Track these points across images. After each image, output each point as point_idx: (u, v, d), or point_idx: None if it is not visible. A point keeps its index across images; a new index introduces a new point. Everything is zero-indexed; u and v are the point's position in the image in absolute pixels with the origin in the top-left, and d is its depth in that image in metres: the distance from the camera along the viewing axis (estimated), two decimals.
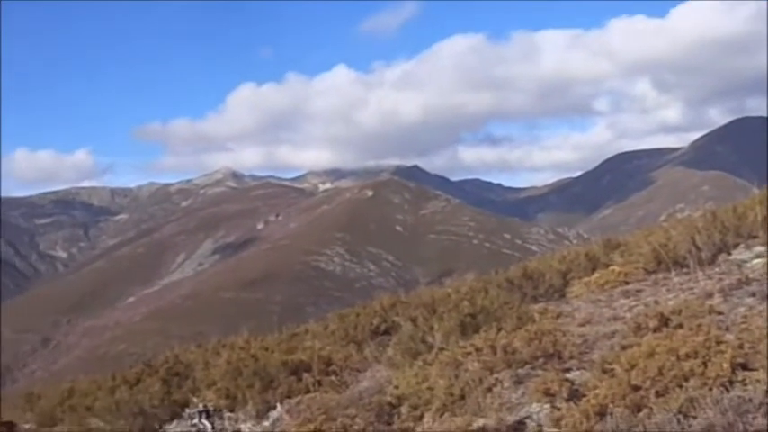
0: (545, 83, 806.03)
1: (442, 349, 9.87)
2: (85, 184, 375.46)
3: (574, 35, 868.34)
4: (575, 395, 7.55)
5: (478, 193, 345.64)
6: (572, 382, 7.81)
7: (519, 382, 8.41)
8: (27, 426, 13.86)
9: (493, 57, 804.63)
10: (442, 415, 8.22)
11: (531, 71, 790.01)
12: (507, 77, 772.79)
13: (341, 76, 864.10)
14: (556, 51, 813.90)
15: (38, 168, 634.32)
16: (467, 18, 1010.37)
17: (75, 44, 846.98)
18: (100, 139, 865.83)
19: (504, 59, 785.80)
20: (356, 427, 8.57)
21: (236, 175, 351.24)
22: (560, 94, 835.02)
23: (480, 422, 7.71)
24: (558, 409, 7.40)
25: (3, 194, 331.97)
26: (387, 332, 12.89)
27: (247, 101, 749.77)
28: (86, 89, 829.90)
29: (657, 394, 6.80)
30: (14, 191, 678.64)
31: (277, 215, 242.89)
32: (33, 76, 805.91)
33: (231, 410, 10.73)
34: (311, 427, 8.75)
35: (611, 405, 6.88)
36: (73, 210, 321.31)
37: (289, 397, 10.41)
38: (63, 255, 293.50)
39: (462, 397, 8.33)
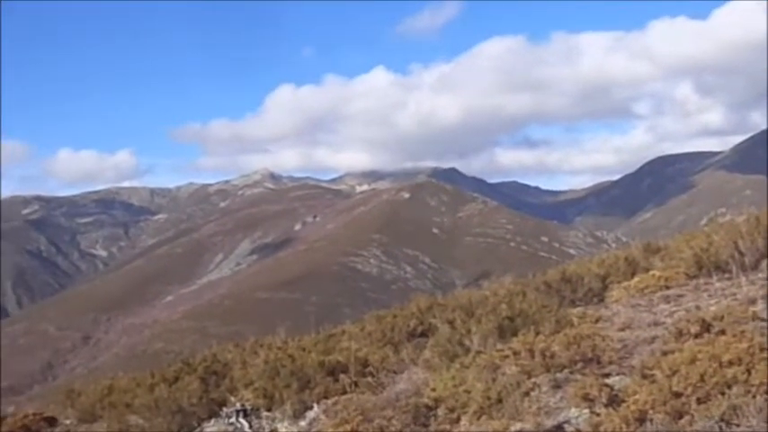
0: (585, 85, 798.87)
1: (479, 352, 9.83)
2: (126, 184, 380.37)
3: (614, 37, 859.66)
4: (614, 401, 7.48)
5: (516, 196, 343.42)
6: (611, 388, 7.73)
7: (557, 386, 8.35)
8: (68, 421, 14.04)
9: (532, 58, 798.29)
10: (479, 418, 8.18)
11: (571, 73, 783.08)
12: (547, 79, 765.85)
13: (379, 77, 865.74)
14: (596, 53, 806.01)
15: (80, 168, 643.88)
16: (506, 20, 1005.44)
17: (118, 46, 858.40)
18: (141, 139, 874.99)
19: (543, 61, 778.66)
20: (393, 428, 8.57)
21: (274, 177, 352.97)
22: (600, 97, 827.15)
23: (518, 426, 7.67)
24: (597, 415, 7.34)
25: (46, 193, 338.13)
26: (423, 334, 12.86)
27: (286, 102, 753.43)
28: (128, 91, 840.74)
29: (699, 401, 6.71)
30: (57, 190, 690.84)
31: (314, 216, 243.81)
32: (77, 78, 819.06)
33: (268, 410, 10.78)
34: (348, 427, 8.76)
35: (651, 411, 6.80)
36: (113, 209, 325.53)
37: (325, 397, 10.44)
38: (103, 253, 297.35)
39: (500, 400, 8.29)
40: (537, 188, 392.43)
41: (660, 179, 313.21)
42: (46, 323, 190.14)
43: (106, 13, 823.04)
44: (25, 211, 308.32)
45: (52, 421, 14.17)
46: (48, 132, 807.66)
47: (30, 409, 16.37)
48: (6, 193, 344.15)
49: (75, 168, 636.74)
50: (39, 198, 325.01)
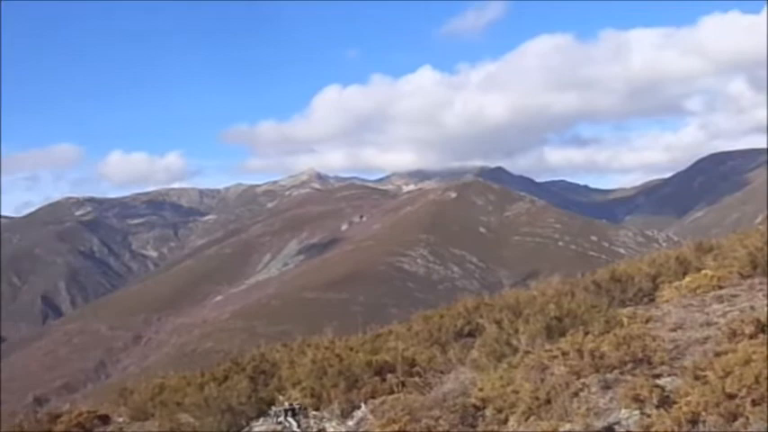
0: (635, 82, 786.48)
1: (527, 352, 9.76)
2: (176, 185, 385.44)
3: (664, 33, 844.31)
4: (665, 402, 7.37)
5: (564, 195, 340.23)
6: (663, 389, 7.62)
7: (607, 387, 8.26)
8: (120, 419, 14.28)
9: (580, 56, 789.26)
10: (527, 419, 8.13)
11: (621, 71, 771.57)
12: (595, 77, 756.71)
13: (426, 77, 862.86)
14: (646, 50, 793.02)
15: (131, 170, 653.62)
16: (553, 18, 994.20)
17: (168, 49, 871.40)
18: (190, 142, 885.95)
19: (592, 59, 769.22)
20: (440, 428, 8.55)
21: (320, 177, 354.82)
22: (651, 94, 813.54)
23: (567, 427, 7.60)
24: (648, 416, 7.24)
25: (98, 195, 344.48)
26: (471, 334, 12.80)
27: (332, 102, 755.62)
28: (178, 93, 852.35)
29: (754, 403, 6.58)
30: (109, 192, 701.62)
31: (361, 216, 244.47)
32: (127, 82, 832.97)
33: (316, 409, 10.84)
34: (395, 427, 8.77)
35: (703, 413, 6.69)
36: (163, 210, 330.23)
37: (373, 397, 10.46)
38: (154, 254, 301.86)
39: (548, 401, 8.22)
40: (586, 187, 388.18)
41: (713, 177, 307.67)
42: (99, 323, 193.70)
43: (155, 14, 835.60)
44: (78, 213, 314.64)
45: (105, 419, 14.42)
46: (100, 135, 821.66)
47: (84, 406, 16.69)
48: (60, 196, 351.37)
49: (127, 170, 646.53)
50: (91, 200, 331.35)
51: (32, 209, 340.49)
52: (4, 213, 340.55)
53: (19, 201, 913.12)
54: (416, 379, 10.81)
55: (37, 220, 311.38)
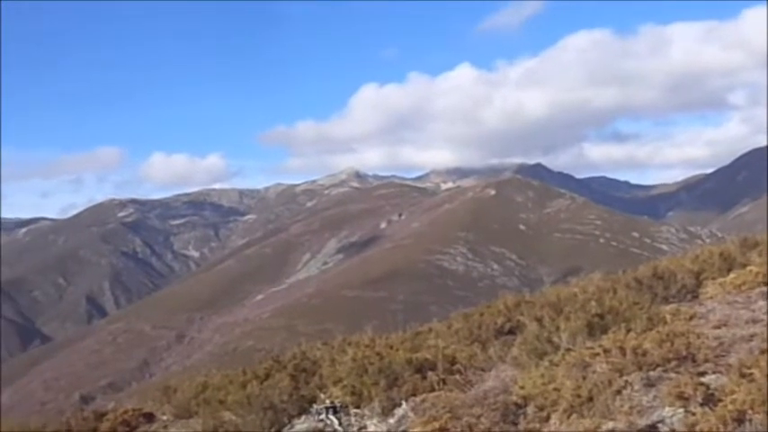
0: (676, 77, 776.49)
1: (568, 350, 9.69)
2: (216, 186, 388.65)
3: (705, 27, 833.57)
4: (710, 400, 7.28)
5: (605, 191, 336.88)
6: (707, 387, 7.53)
7: (650, 384, 8.17)
8: (164, 417, 14.46)
9: (620, 51, 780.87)
10: (569, 417, 8.08)
11: (661, 65, 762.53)
12: (636, 72, 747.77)
13: (464, 74, 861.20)
14: (687, 44, 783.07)
15: (173, 172, 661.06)
16: (592, 13, 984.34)
17: (208, 52, 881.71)
18: (231, 143, 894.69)
19: (632, 54, 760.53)
20: (481, 426, 8.53)
21: (359, 176, 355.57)
22: (692, 89, 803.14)
23: (609, 425, 7.54)
24: (693, 414, 7.15)
25: (141, 196, 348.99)
26: (511, 332, 12.74)
27: (370, 101, 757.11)
28: (218, 95, 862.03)
29: None
30: (150, 193, 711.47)
31: (400, 214, 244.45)
32: (170, 84, 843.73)
33: (357, 407, 10.87)
34: (436, 425, 8.77)
35: (749, 411, 6.59)
36: (204, 211, 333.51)
37: (413, 395, 10.46)
38: (195, 254, 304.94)
39: (590, 399, 8.16)
40: (627, 183, 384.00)
41: (757, 172, 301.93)
42: (142, 322, 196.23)
43: (193, 16, 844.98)
44: (121, 214, 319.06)
45: (150, 417, 14.62)
46: (142, 138, 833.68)
47: (129, 405, 16.94)
48: (103, 197, 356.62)
49: (168, 172, 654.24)
50: (133, 201, 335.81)
51: (77, 211, 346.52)
52: (49, 216, 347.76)
53: (64, 203, 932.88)
54: (457, 377, 10.79)
55: (81, 222, 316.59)
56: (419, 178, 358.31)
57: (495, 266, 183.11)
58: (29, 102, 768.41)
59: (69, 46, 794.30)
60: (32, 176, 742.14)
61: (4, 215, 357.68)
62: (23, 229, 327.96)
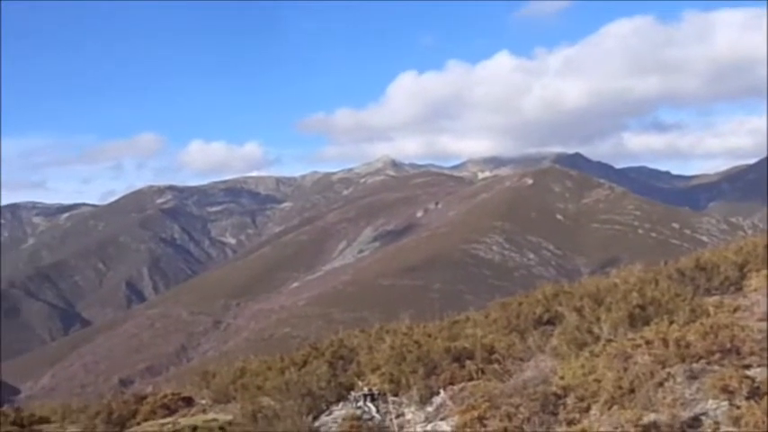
0: (719, 65, 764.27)
1: (609, 341, 9.59)
2: (253, 173, 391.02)
3: (750, 13, 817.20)
4: (755, 393, 7.16)
5: (645, 181, 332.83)
6: (752, 380, 7.40)
7: (693, 377, 8.06)
8: (203, 401, 14.61)
9: (662, 39, 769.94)
10: (610, 408, 7.99)
11: (705, 53, 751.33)
12: (678, 60, 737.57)
13: (503, 62, 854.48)
14: (731, 31, 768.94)
15: (211, 159, 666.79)
16: (632, 1, 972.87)
17: (249, 41, 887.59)
18: (268, 131, 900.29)
19: (674, 41, 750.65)
20: (520, 416, 8.48)
21: (395, 164, 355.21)
22: (736, 77, 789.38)
23: (651, 417, 7.45)
24: (738, 407, 7.04)
25: (179, 183, 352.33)
26: (550, 322, 12.63)
27: (408, 89, 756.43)
28: (256, 84, 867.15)
29: None
30: (189, 180, 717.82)
31: (436, 203, 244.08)
32: (209, 72, 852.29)
33: (395, 395, 10.87)
34: (475, 414, 8.74)
35: None
36: (241, 198, 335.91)
37: (452, 383, 10.44)
38: (232, 241, 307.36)
39: (632, 390, 8.07)
40: (667, 173, 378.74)
41: None
42: (180, 308, 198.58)
43: (235, 8, 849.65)
44: (159, 201, 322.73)
45: (189, 401, 14.79)
46: (181, 125, 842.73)
47: (167, 389, 17.15)
48: (142, 184, 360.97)
49: (206, 159, 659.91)
50: (172, 188, 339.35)
51: (116, 197, 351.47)
52: (89, 201, 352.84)
53: (104, 189, 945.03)
54: (495, 366, 10.73)
55: (121, 208, 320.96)
56: (456, 167, 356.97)
57: (532, 256, 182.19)
58: (70, 89, 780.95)
59: (112, 33, 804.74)
60: (74, 162, 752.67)
61: (46, 200, 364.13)
62: (65, 215, 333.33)
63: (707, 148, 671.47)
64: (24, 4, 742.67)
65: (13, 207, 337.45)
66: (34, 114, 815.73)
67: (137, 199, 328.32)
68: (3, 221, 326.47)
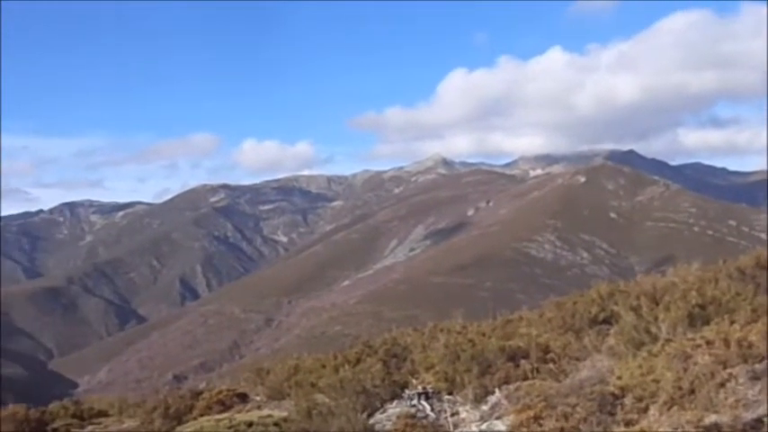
0: None
1: (668, 340, 9.44)
2: (305, 172, 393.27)
3: None
4: None
5: (700, 178, 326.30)
6: None
7: (755, 378, 7.88)
8: (258, 397, 14.78)
9: (719, 32, 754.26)
10: (669, 408, 7.87)
11: (763, 46, 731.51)
12: (736, 54, 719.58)
13: (555, 59, 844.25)
14: None
15: (263, 158, 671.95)
16: None
17: (302, 42, 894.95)
18: (320, 129, 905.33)
19: (732, 35, 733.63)
20: (577, 416, 8.40)
21: (446, 162, 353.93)
22: None
23: (713, 418, 7.31)
24: None
25: (232, 182, 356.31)
26: (606, 321, 12.49)
27: (459, 87, 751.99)
28: (309, 83, 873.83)
29: None
30: (242, 179, 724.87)
31: (487, 201, 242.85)
32: (263, 73, 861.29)
33: (449, 393, 10.86)
34: (530, 413, 8.68)
35: None
36: (293, 196, 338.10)
37: (506, 383, 10.39)
38: (284, 239, 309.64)
39: (692, 391, 7.93)
40: (724, 169, 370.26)
41: None
42: (233, 305, 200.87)
43: (287, 9, 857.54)
44: (213, 199, 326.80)
45: (244, 397, 14.98)
46: (235, 124, 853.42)
47: (221, 385, 17.39)
48: (196, 183, 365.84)
49: (259, 158, 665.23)
50: (225, 186, 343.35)
51: (171, 195, 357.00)
52: (145, 200, 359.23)
53: (159, 188, 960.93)
54: (551, 365, 10.66)
55: (175, 207, 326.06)
56: (507, 165, 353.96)
57: (585, 255, 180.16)
58: (127, 89, 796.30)
59: (168, 34, 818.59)
60: (130, 162, 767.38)
61: (103, 199, 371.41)
62: (121, 213, 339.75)
63: (765, 144, 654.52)
64: (83, 6, 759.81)
65: (72, 205, 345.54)
66: (92, 115, 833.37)
67: (191, 197, 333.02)
68: (62, 219, 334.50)
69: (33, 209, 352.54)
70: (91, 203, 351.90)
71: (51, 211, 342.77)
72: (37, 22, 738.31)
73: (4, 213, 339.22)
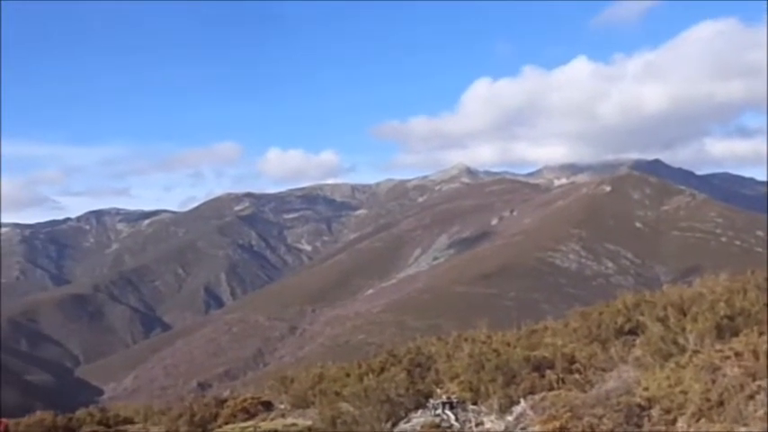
0: None
1: (696, 352, 9.34)
2: (329, 181, 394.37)
3: None
4: None
5: (728, 188, 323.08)
6: None
7: None
8: (282, 406, 14.81)
9: (747, 41, 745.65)
10: (698, 420, 7.79)
11: None
12: (764, 63, 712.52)
13: (580, 68, 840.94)
14: None
15: (288, 167, 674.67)
16: (715, 3, 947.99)
17: (326, 51, 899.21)
18: (344, 139, 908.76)
19: (760, 44, 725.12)
20: (603, 427, 8.34)
21: (470, 171, 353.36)
22: None
23: (742, 430, 7.23)
24: None
25: (256, 191, 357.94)
26: (632, 332, 12.38)
27: (483, 96, 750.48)
28: (333, 93, 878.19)
29: None
30: (266, 187, 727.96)
31: (511, 211, 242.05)
32: (288, 82, 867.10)
33: (474, 403, 10.81)
34: (556, 424, 8.62)
35: None
36: (317, 205, 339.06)
37: (531, 393, 10.32)
38: (308, 248, 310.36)
39: (721, 403, 7.84)
40: (752, 179, 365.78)
41: None
42: (257, 313, 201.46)
43: (310, 18, 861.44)
44: (237, 208, 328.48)
45: (268, 405, 15.02)
46: (259, 133, 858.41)
47: (245, 393, 17.44)
48: (221, 191, 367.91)
49: (283, 167, 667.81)
50: (249, 195, 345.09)
51: (196, 204, 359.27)
52: (170, 208, 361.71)
53: (184, 196, 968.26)
54: (576, 376, 10.58)
55: (200, 215, 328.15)
56: (531, 174, 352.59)
57: (610, 265, 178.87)
58: (152, 98, 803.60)
59: (192, 43, 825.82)
60: (155, 170, 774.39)
61: (129, 207, 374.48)
62: (146, 221, 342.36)
63: None
64: (106, 15, 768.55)
65: (98, 213, 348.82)
66: (116, 124, 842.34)
67: (215, 206, 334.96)
68: (88, 227, 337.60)
69: (61, 217, 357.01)
70: (117, 212, 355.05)
71: (78, 219, 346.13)
72: (63, 31, 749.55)
73: (32, 221, 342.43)
